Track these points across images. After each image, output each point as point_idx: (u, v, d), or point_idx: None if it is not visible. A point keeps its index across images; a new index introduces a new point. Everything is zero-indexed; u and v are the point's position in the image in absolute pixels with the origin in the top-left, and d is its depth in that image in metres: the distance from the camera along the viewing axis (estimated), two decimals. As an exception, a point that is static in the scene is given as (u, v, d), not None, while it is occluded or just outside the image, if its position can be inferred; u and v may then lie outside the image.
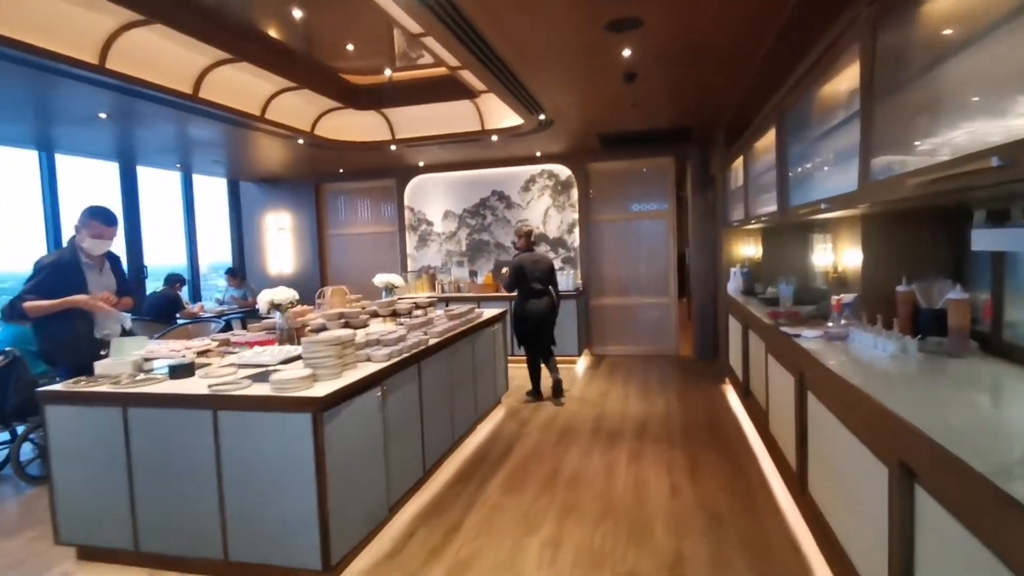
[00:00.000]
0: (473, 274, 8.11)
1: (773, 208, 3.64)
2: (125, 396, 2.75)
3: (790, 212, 3.21)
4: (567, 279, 7.26)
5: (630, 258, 7.72)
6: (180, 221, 8.22)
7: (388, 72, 5.17)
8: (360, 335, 3.58)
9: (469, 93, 5.58)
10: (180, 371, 2.97)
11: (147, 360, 3.14)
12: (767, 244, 5.16)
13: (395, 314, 4.21)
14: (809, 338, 2.94)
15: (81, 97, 4.30)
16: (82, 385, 2.86)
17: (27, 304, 3.19)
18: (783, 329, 3.16)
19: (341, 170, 8.26)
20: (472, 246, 8.22)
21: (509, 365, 5.82)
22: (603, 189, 7.77)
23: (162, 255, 8.39)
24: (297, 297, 3.57)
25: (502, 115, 5.83)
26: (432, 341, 3.78)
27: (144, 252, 7.52)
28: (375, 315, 4.22)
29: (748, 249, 5.96)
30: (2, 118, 4.93)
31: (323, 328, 3.54)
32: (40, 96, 4.41)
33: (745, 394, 4.77)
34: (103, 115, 4.67)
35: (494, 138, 6.18)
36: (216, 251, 9.30)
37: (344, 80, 5.61)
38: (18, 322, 3.42)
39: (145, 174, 7.59)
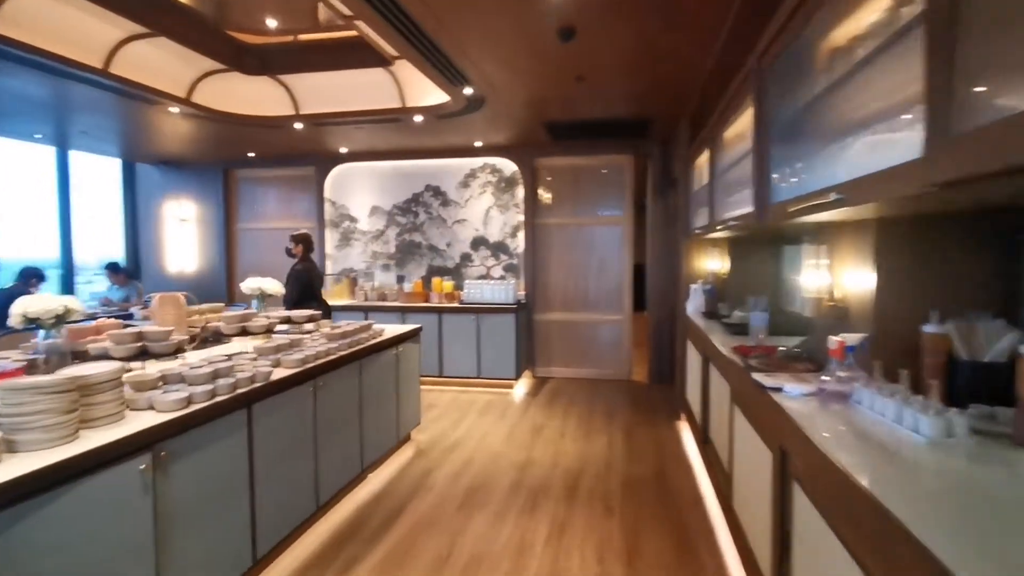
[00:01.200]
0: (401, 279, 7.06)
1: (748, 208, 2.72)
2: None
3: (773, 211, 2.28)
4: (506, 290, 6.28)
5: (580, 268, 6.79)
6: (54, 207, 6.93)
7: (271, 23, 4.10)
8: (162, 367, 2.51)
9: (381, 59, 4.56)
10: None
11: None
12: (735, 257, 4.27)
13: (245, 333, 3.14)
14: (794, 395, 2.01)
15: None
16: None
17: None
18: (757, 378, 2.23)
19: (251, 154, 7.10)
20: (402, 247, 7.16)
21: (425, 390, 4.80)
22: (553, 189, 6.83)
23: (31, 247, 7.10)
24: (76, 308, 2.47)
25: (426, 91, 4.82)
26: (279, 374, 2.73)
27: (-3, 240, 6.23)
28: (219, 334, 3.14)
29: (713, 263, 5.08)
30: None
31: (104, 356, 2.45)
32: None
33: (703, 441, 3.86)
34: None
35: (418, 118, 5.16)
36: (108, 244, 7.99)
37: (226, 35, 4.52)
38: None
39: (6, 148, 6.31)
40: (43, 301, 2.36)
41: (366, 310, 6.47)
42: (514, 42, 3.59)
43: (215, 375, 2.41)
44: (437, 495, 3.56)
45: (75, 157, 7.06)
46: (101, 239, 7.89)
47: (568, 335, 6.82)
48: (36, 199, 6.87)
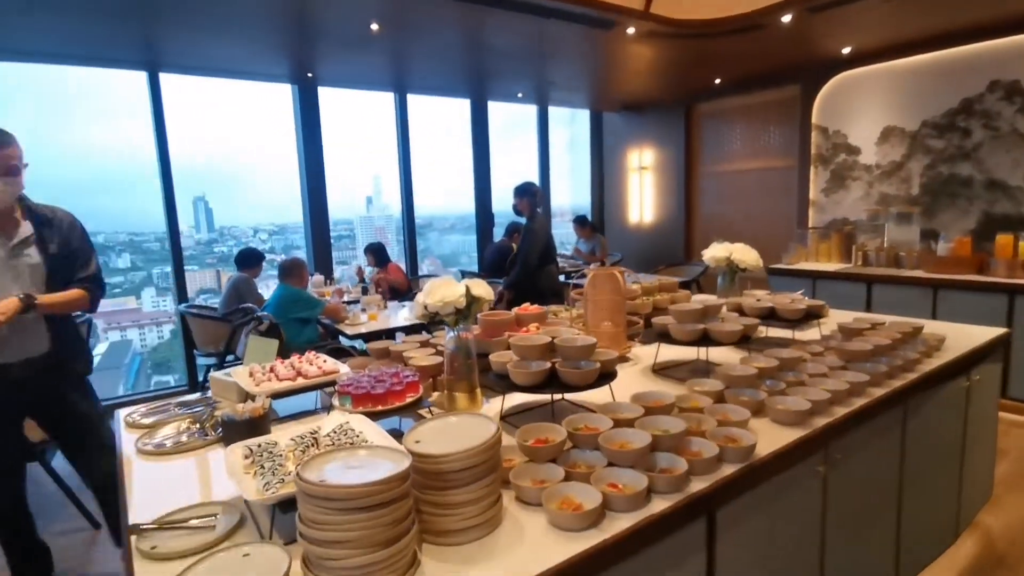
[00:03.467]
0: (931, 236, 4.69)
1: None
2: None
3: None
4: None
5: None
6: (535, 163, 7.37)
7: None
8: (578, 415, 1.57)
9: None
10: (232, 433, 1.59)
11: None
12: None
13: (708, 339, 1.94)
14: None
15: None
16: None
17: None
18: None
19: (717, 80, 5.84)
20: (933, 187, 4.75)
21: (1003, 428, 2.75)
22: None
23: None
24: (485, 296, 1.74)
25: None
26: (765, 438, 1.44)
27: (493, 197, 6.95)
28: (663, 335, 2.03)
29: None
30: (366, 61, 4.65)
31: (504, 377, 1.64)
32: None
33: None
34: (375, 27, 3.70)
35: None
36: (581, 197, 8.24)
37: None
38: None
39: (499, 111, 6.89)
40: (443, 288, 1.69)
41: (868, 280, 4.49)
42: None
43: (653, 447, 1.30)
44: None
45: (553, 113, 7.30)
46: (574, 192, 8.19)
47: None
48: (520, 156, 7.42)
